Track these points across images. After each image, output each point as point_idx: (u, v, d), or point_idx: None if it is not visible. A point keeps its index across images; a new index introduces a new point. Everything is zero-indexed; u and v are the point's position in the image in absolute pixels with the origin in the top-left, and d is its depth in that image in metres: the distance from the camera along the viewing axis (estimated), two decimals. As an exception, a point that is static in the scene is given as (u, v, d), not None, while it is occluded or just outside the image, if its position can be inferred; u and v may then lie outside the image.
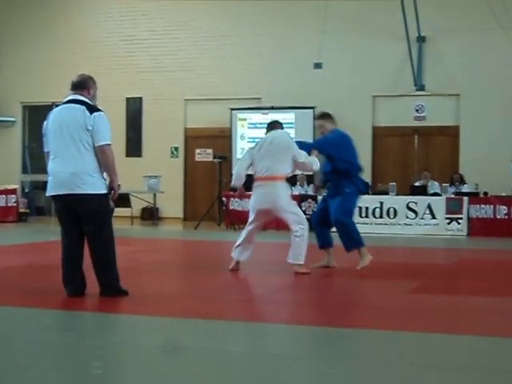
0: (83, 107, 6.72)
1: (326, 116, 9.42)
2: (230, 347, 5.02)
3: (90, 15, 21.72)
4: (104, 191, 6.77)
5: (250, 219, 9.03)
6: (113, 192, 6.80)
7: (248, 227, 9.00)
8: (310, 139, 18.75)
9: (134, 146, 21.38)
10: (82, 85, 6.97)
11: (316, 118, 9.81)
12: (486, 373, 4.33)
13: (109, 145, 6.70)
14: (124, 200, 18.01)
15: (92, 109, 6.75)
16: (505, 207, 15.32)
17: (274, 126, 9.14)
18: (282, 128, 9.24)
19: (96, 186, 6.70)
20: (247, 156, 9.11)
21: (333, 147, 9.06)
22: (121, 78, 21.10)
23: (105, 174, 6.80)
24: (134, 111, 21.38)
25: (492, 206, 15.42)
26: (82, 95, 6.88)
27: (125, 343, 5.10)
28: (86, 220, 6.72)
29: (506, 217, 15.30)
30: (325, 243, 9.25)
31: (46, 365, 4.48)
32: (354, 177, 9.22)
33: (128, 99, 21.40)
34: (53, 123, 6.82)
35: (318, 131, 9.61)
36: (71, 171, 6.63)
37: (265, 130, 9.22)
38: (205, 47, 20.63)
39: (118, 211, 15.67)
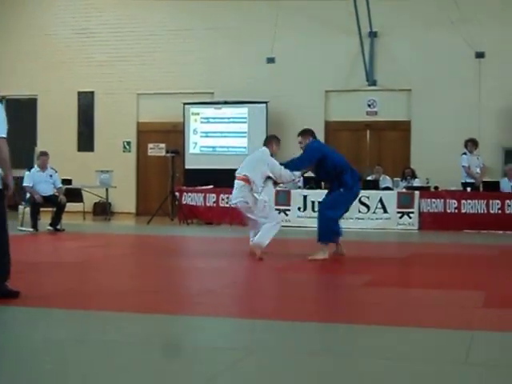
0: None
1: (302, 133, 10.21)
2: (182, 342, 5.01)
3: (40, 7, 21.42)
4: None
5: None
6: (8, 188, 6.22)
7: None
8: (262, 134, 18.87)
9: (85, 141, 21.20)
10: None
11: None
12: (437, 365, 4.38)
13: (3, 138, 6.15)
14: (76, 195, 17.87)
15: None
16: (455, 201, 15.49)
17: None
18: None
19: None
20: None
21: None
22: (72, 71, 20.90)
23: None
24: (86, 105, 21.19)
25: (442, 200, 15.59)
26: None
27: (76, 338, 5.05)
28: None
29: (456, 211, 15.48)
30: None
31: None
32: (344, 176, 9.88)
33: (79, 93, 21.20)
34: None
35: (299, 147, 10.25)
36: None
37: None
38: (157, 41, 20.53)
39: (70, 206, 15.52)
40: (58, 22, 21.32)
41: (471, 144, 16.17)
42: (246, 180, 9.78)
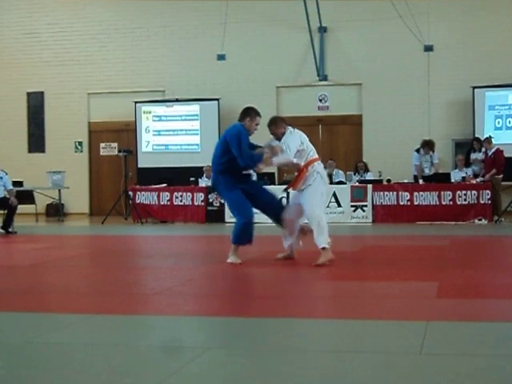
0: None
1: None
2: (137, 342, 4.98)
3: (-14, 8, 21.17)
4: None
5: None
6: None
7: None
8: (214, 131, 18.85)
9: (36, 142, 20.99)
10: None
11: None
12: (392, 357, 4.42)
13: None
14: (27, 197, 17.68)
15: None
16: (407, 193, 15.66)
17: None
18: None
19: None
20: None
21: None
22: (21, 72, 20.68)
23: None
24: (36, 106, 20.97)
25: (395, 193, 15.74)
26: None
27: (32, 342, 5.00)
28: None
29: (409, 203, 15.64)
30: None
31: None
32: None
33: (29, 94, 20.97)
34: None
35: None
36: None
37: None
38: (107, 40, 20.39)
39: (22, 208, 15.36)
40: (4, 24, 21.06)
41: (427, 148, 16.08)
42: None
